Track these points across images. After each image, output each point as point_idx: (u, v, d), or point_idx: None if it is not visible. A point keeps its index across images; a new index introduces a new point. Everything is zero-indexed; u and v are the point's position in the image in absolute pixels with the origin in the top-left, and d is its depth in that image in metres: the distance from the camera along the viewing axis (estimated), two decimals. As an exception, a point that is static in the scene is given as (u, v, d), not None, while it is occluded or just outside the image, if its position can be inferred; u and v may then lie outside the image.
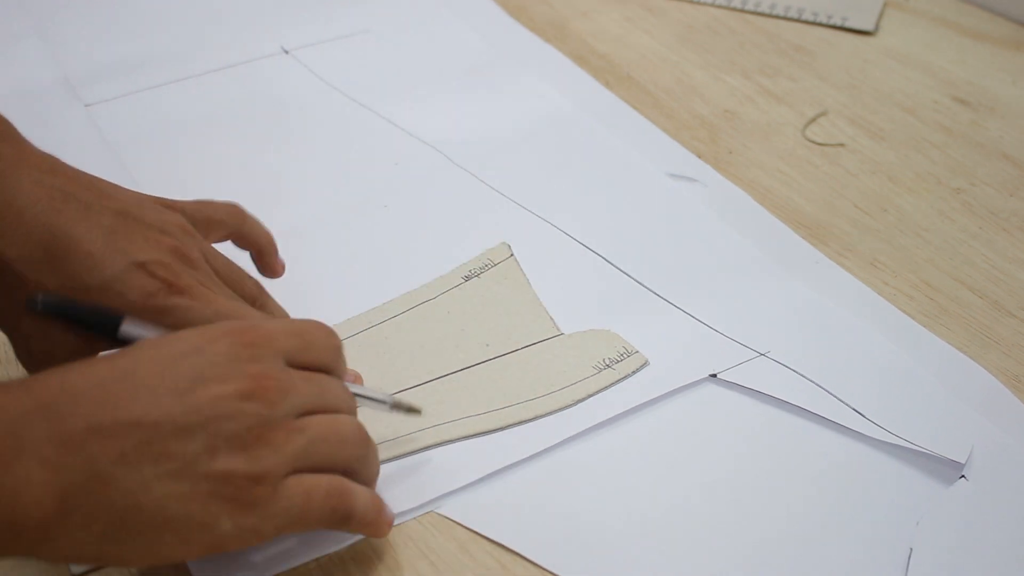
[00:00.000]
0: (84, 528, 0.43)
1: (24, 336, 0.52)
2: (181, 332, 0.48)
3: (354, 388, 0.52)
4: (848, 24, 0.92)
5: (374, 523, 0.50)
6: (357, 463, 0.50)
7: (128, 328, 0.50)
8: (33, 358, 0.53)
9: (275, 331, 0.49)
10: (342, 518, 0.49)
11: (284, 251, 0.68)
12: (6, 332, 0.54)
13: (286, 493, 0.47)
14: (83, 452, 0.43)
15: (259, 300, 0.58)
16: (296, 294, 0.64)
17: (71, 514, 0.42)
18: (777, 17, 0.94)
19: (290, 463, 0.47)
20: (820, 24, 0.93)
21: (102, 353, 0.49)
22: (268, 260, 0.61)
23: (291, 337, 0.49)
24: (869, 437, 0.58)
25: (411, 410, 0.55)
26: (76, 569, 0.51)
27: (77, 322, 0.50)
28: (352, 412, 0.51)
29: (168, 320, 0.51)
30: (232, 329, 0.48)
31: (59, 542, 0.43)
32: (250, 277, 0.58)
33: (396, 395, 0.55)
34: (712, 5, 0.95)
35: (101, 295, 0.51)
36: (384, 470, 0.55)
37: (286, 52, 0.87)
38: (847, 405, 0.59)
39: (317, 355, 0.50)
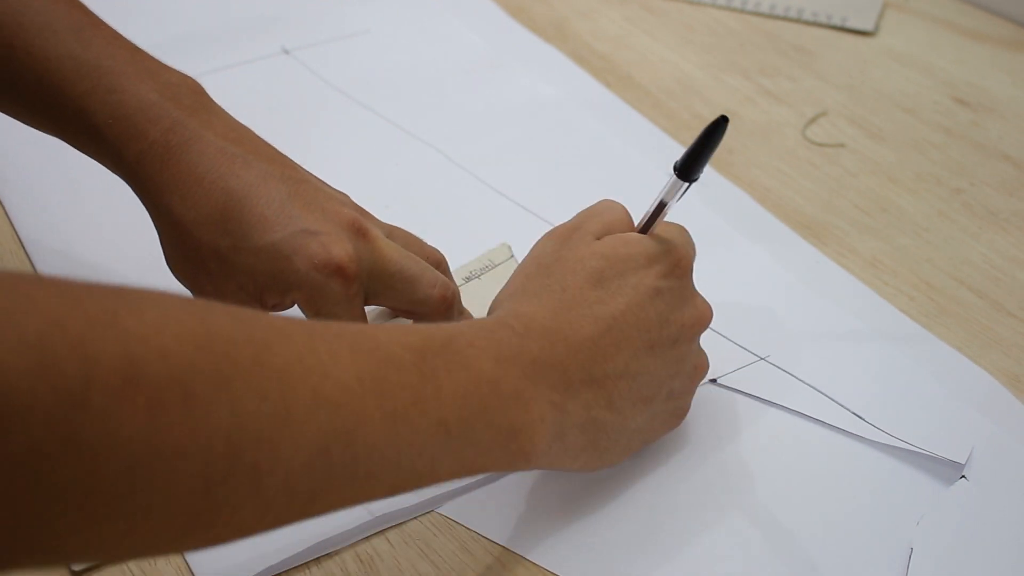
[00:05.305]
0: (564, 453, 0.49)
1: (201, 292, 0.54)
2: (639, 278, 0.52)
3: None
4: (848, 24, 0.92)
5: None
6: None
7: None
8: None
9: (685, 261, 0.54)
10: None
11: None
12: (187, 288, 0.55)
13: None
14: (580, 398, 0.48)
15: (443, 267, 0.59)
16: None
17: (560, 441, 0.48)
18: (777, 17, 0.94)
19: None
20: (820, 24, 0.93)
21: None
22: None
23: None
24: (869, 439, 0.58)
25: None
26: (75, 567, 0.51)
27: None
28: None
29: (326, 296, 0.52)
30: (677, 268, 0.53)
31: (540, 463, 0.48)
32: (434, 249, 0.59)
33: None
34: (712, 5, 0.95)
35: (269, 257, 0.52)
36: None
37: (286, 52, 0.87)
38: (847, 409, 0.59)
39: None
